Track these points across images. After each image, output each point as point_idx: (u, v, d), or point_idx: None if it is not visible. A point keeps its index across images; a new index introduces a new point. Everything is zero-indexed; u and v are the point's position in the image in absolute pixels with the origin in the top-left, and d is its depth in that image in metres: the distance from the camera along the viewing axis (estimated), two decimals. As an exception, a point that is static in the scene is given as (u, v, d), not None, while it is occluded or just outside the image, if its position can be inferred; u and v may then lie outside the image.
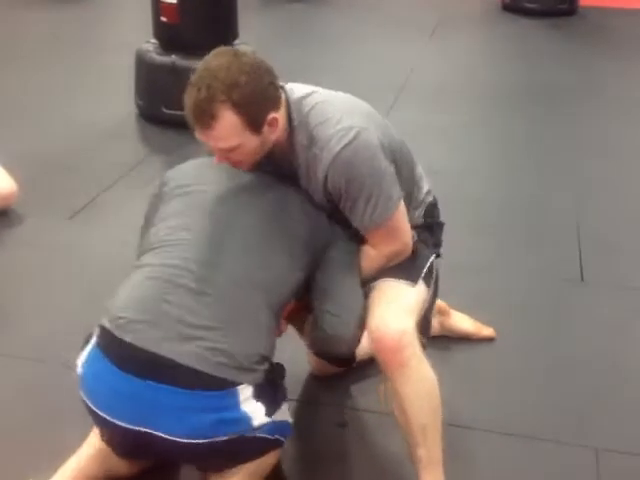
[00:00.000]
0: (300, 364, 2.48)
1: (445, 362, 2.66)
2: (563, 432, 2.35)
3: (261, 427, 1.83)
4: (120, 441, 1.90)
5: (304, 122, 1.97)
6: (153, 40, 4.60)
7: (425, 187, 2.27)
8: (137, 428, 1.76)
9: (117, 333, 1.78)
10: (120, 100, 4.72)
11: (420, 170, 2.27)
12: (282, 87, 1.99)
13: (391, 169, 2.01)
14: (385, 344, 1.95)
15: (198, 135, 1.90)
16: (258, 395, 1.82)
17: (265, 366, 1.86)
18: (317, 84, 2.13)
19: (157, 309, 1.80)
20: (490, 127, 4.76)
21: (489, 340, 2.75)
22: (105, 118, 4.58)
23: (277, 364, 1.98)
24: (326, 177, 1.97)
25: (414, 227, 2.18)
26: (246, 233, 1.93)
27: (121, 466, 2.01)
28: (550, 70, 5.76)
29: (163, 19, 4.43)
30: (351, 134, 1.93)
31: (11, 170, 3.60)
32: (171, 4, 4.35)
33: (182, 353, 1.74)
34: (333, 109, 1.98)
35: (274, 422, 1.87)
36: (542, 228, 3.55)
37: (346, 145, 1.93)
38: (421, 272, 2.13)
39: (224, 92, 1.82)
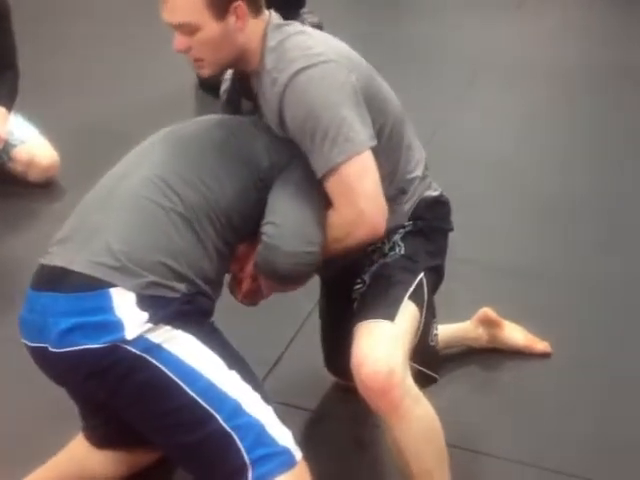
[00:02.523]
0: (318, 371, 2.27)
1: (491, 381, 2.43)
2: (625, 475, 2.07)
3: (139, 339, 1.61)
4: (43, 369, 1.75)
5: (276, 48, 1.78)
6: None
7: (416, 172, 1.96)
8: (36, 345, 1.69)
9: (40, 262, 1.76)
10: (179, 69, 4.54)
11: (416, 148, 1.99)
12: (270, 13, 1.84)
13: (359, 113, 1.75)
14: (371, 386, 1.70)
15: (163, 14, 1.76)
16: (145, 307, 1.62)
17: (167, 279, 1.65)
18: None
19: (69, 229, 1.76)
20: (572, 112, 4.39)
21: (543, 356, 2.48)
22: (162, 87, 4.42)
23: (210, 297, 1.76)
24: (281, 104, 1.75)
25: (397, 227, 1.90)
26: (171, 147, 1.80)
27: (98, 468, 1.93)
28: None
29: (227, -14, 4.23)
30: (316, 59, 1.73)
31: (56, 140, 3.49)
32: (234, -30, 4.15)
33: (73, 260, 1.66)
34: (310, 39, 1.79)
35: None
36: (620, 232, 3.20)
37: (307, 67, 1.72)
38: (399, 303, 1.82)
39: None
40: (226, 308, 2.12)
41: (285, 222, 1.74)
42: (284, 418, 2.17)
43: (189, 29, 1.74)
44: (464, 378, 2.41)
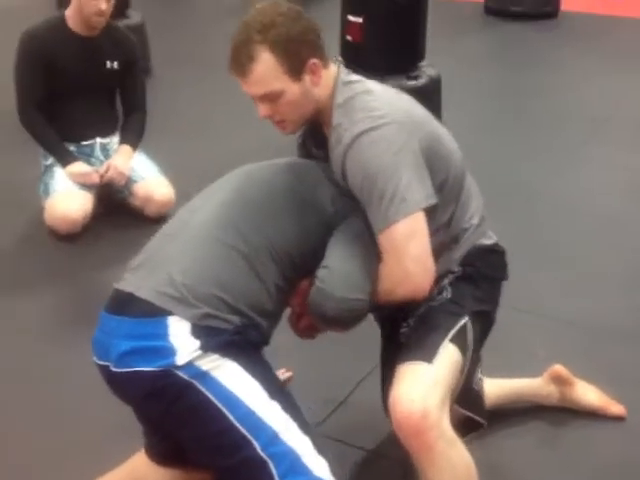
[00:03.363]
0: (381, 413, 2.30)
1: (557, 440, 2.40)
2: None
3: (188, 365, 1.72)
4: (108, 385, 1.89)
5: (344, 104, 1.88)
6: (340, 58, 4.58)
7: (472, 220, 2.00)
8: (103, 363, 1.83)
9: (114, 286, 1.91)
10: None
11: (473, 198, 2.04)
12: (338, 66, 1.96)
13: (418, 173, 1.82)
14: (405, 426, 1.75)
15: (243, 87, 1.89)
16: (198, 335, 1.74)
17: (221, 312, 1.76)
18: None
19: (143, 257, 1.91)
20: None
21: (617, 419, 2.43)
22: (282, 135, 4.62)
23: (262, 330, 1.84)
24: (344, 162, 1.85)
25: (447, 272, 1.95)
26: (242, 187, 1.94)
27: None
28: None
29: (348, 38, 4.40)
30: (379, 121, 1.82)
31: (175, 179, 3.73)
32: (356, 22, 4.31)
33: (140, 287, 1.80)
34: (375, 100, 1.88)
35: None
36: None
37: (369, 130, 1.81)
38: (439, 346, 1.86)
39: (260, 32, 1.81)
40: (301, 347, 2.25)
41: (338, 268, 1.84)
42: (339, 455, 2.26)
43: (272, 97, 1.86)
44: (529, 432, 2.40)
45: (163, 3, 7.27)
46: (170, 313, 1.76)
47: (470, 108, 5.18)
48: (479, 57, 6.33)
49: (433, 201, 1.85)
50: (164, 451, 2.04)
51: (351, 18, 4.32)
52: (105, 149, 3.67)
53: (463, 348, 1.89)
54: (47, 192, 3.52)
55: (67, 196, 3.46)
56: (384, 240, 1.84)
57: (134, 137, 3.68)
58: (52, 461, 2.29)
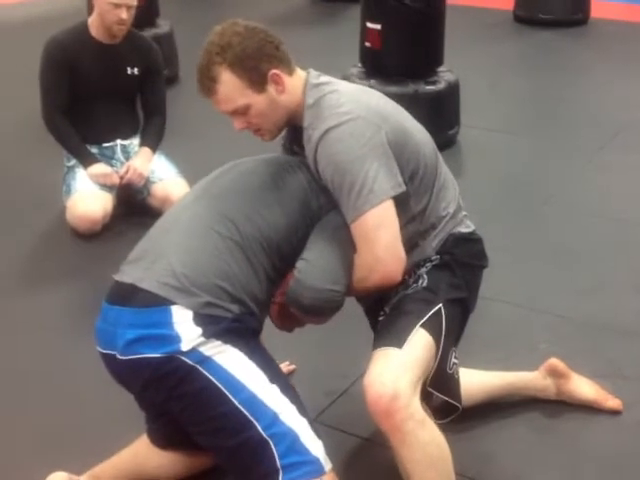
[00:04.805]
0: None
1: (550, 430, 2.43)
2: None
3: (192, 351, 1.82)
4: (111, 373, 1.98)
5: (314, 105, 1.96)
6: (360, 65, 4.66)
7: (448, 209, 2.06)
8: (107, 352, 1.92)
9: (114, 278, 2.00)
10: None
11: (449, 187, 2.09)
12: (308, 72, 2.04)
13: (386, 164, 1.90)
14: (375, 407, 1.83)
15: (214, 106, 1.99)
16: (200, 323, 1.83)
17: (223, 300, 1.85)
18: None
19: (140, 250, 2.00)
20: None
21: (612, 413, 2.46)
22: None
23: (257, 317, 1.93)
24: (315, 159, 1.94)
25: (424, 260, 2.01)
26: (233, 181, 2.03)
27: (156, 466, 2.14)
28: None
29: (367, 44, 4.48)
30: (344, 117, 1.91)
31: (193, 180, 3.79)
32: (374, 29, 4.38)
33: (142, 279, 1.89)
34: (342, 97, 1.97)
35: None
36: None
37: (335, 126, 1.90)
38: (409, 331, 1.92)
39: (219, 54, 1.92)
40: (304, 341, 2.34)
41: (316, 260, 1.92)
42: (337, 442, 2.32)
43: (242, 110, 1.98)
44: (524, 423, 2.43)
45: (193, 12, 7.41)
46: (173, 302, 1.85)
47: (491, 112, 5.23)
48: (506, 63, 6.36)
49: (401, 189, 1.92)
50: (165, 436, 2.13)
51: (370, 25, 4.41)
52: (126, 151, 3.79)
53: (436, 334, 1.96)
54: (69, 192, 3.64)
55: (88, 196, 3.57)
56: (355, 230, 1.93)
57: (154, 140, 3.79)
58: (59, 444, 2.39)
